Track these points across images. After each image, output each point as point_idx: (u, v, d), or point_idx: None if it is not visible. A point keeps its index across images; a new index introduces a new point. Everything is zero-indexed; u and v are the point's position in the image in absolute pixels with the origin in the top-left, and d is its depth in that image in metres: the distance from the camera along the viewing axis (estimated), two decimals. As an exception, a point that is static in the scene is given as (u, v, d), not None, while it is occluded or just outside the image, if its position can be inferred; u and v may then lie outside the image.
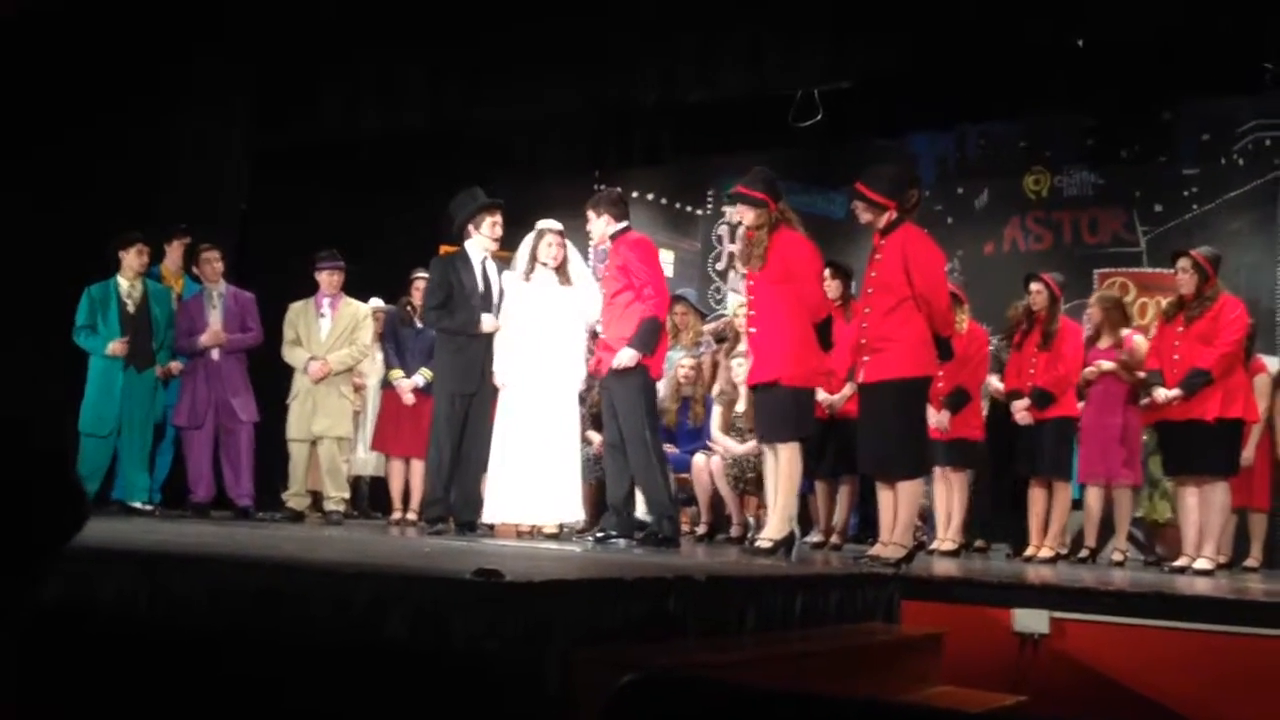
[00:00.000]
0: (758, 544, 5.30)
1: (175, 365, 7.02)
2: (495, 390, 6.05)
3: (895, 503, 5.10)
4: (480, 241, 6.30)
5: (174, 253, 7.43)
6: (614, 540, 5.71)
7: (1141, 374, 6.42)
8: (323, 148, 8.65)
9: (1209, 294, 5.84)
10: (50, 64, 8.21)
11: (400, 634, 2.68)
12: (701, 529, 7.24)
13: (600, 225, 5.94)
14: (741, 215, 5.49)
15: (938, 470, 6.71)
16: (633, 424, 5.68)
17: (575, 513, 6.09)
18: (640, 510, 6.43)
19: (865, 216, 5.15)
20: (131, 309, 6.95)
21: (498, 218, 6.32)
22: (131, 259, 6.94)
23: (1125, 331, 6.70)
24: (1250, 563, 6.68)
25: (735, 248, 9.51)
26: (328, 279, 7.20)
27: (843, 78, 7.17)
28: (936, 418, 6.55)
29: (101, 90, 8.21)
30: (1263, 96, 7.47)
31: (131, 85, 8.24)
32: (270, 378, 7.34)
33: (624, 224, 5.96)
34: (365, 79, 8.22)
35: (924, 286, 4.94)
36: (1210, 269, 5.87)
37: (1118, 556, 6.65)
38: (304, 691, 2.73)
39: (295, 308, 7.23)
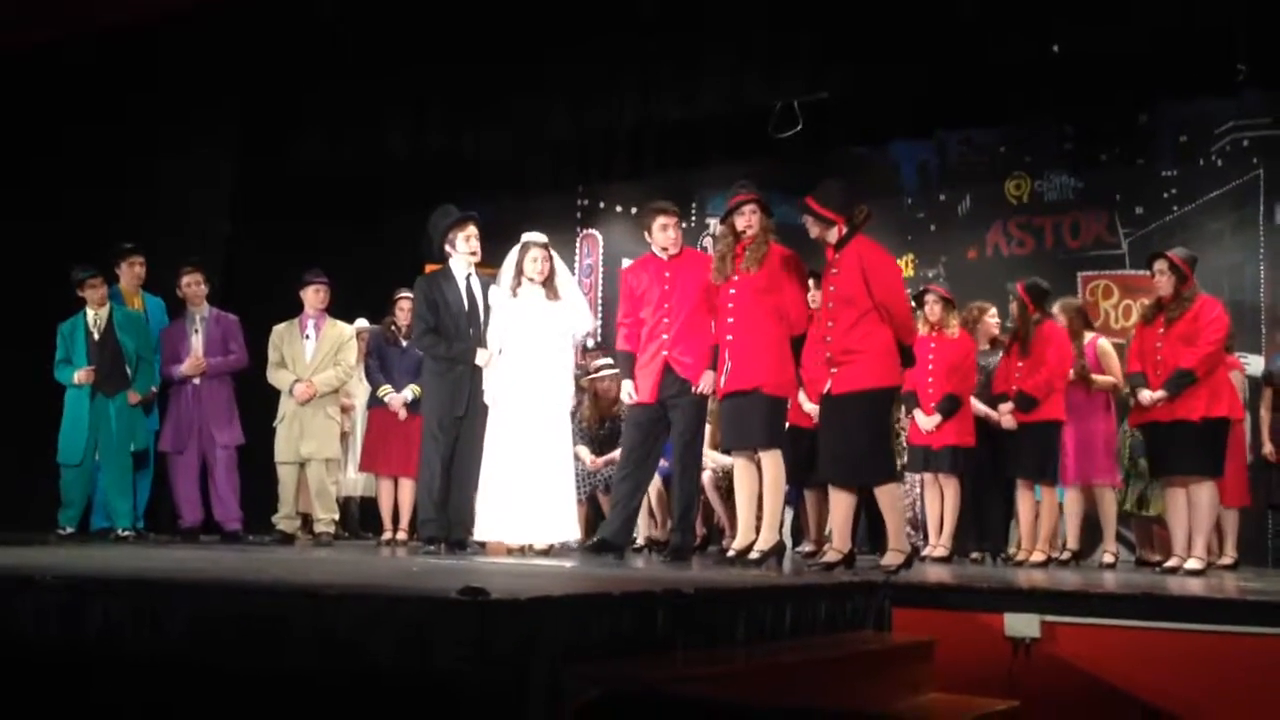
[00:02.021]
0: (749, 555, 5.31)
1: (134, 396, 7.00)
2: (484, 409, 5.98)
3: (853, 507, 5.21)
4: (461, 258, 6.23)
5: (126, 274, 7.39)
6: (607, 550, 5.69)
7: (1103, 378, 6.60)
8: (307, 172, 8.65)
9: (1186, 294, 5.86)
10: (41, 94, 8.26)
11: (385, 655, 2.66)
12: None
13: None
14: (749, 222, 5.42)
15: (928, 477, 6.73)
16: (697, 437, 5.71)
17: (570, 531, 5.99)
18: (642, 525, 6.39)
19: (815, 230, 5.17)
20: (97, 337, 6.96)
21: (471, 230, 6.22)
22: (89, 295, 6.97)
23: (1089, 336, 6.77)
24: (1225, 560, 6.70)
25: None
26: (314, 295, 7.19)
27: (821, 89, 7.20)
28: (926, 421, 6.57)
29: (88, 121, 8.26)
30: (1240, 97, 7.51)
31: (118, 116, 8.28)
32: (257, 401, 7.32)
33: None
34: (348, 104, 8.24)
35: (884, 296, 4.98)
36: (1187, 270, 5.89)
37: (1108, 558, 6.66)
38: (291, 716, 2.72)
39: (279, 329, 7.22)
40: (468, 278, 6.25)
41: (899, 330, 5.02)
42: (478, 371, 6.04)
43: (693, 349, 5.60)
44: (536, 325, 5.94)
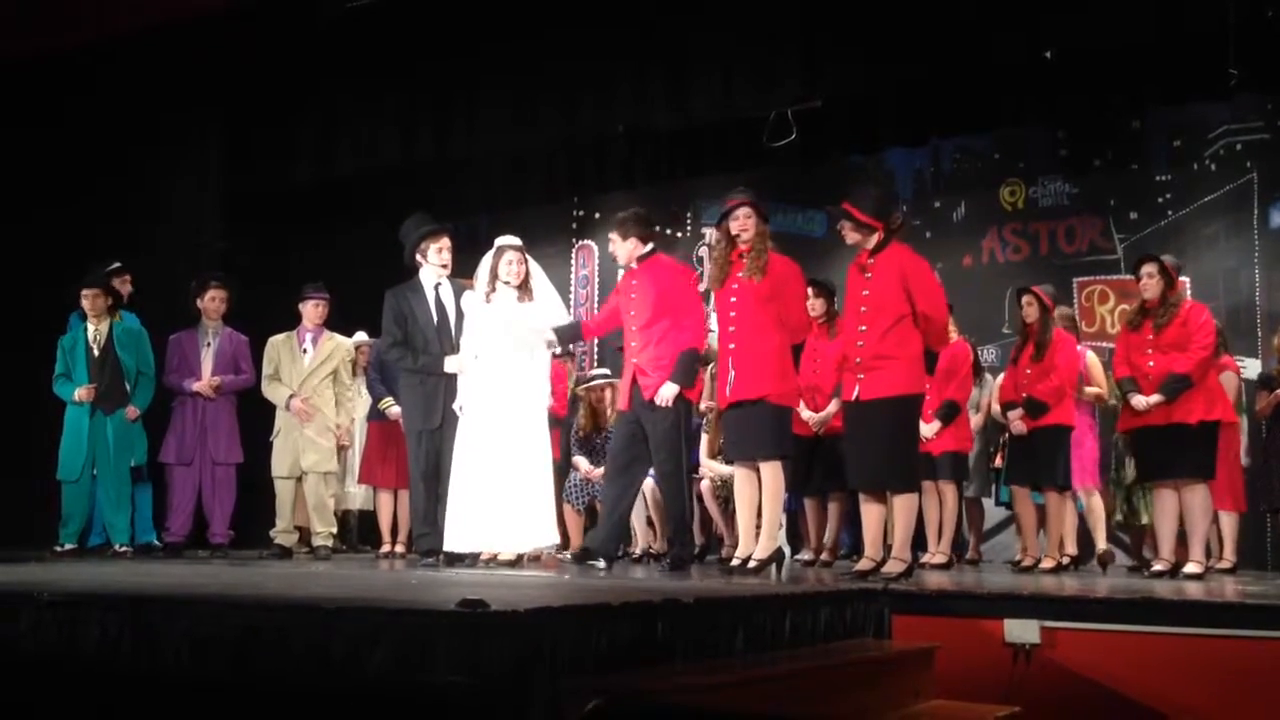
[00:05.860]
0: (748, 564, 5.30)
1: (133, 412, 6.99)
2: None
3: (884, 517, 5.13)
4: (431, 269, 6.15)
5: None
6: (594, 561, 5.66)
7: (1090, 389, 6.73)
8: (300, 186, 8.66)
9: (1172, 300, 5.88)
10: (27, 111, 8.26)
11: (385, 669, 2.65)
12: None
13: (628, 248, 5.74)
14: (743, 226, 5.39)
15: (927, 484, 6.71)
16: (671, 454, 5.54)
17: (545, 537, 5.84)
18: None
19: (853, 236, 5.16)
20: (97, 354, 6.97)
21: (443, 242, 6.17)
22: (86, 305, 6.97)
23: (1076, 348, 6.80)
24: (1224, 564, 6.70)
25: (706, 266, 9.50)
26: (313, 310, 7.18)
27: (814, 98, 7.21)
28: (927, 429, 6.56)
29: (77, 137, 8.25)
30: (1232, 101, 7.54)
31: (107, 131, 8.27)
32: (255, 414, 7.31)
33: (650, 246, 5.82)
34: (338, 117, 8.24)
35: (926, 304, 4.99)
36: (1174, 275, 5.92)
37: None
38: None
39: (275, 341, 7.20)
40: (436, 288, 6.15)
41: (933, 338, 5.04)
42: (452, 382, 5.91)
43: (655, 360, 5.52)
44: (511, 329, 5.82)
